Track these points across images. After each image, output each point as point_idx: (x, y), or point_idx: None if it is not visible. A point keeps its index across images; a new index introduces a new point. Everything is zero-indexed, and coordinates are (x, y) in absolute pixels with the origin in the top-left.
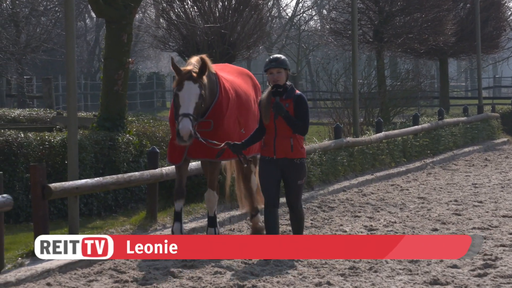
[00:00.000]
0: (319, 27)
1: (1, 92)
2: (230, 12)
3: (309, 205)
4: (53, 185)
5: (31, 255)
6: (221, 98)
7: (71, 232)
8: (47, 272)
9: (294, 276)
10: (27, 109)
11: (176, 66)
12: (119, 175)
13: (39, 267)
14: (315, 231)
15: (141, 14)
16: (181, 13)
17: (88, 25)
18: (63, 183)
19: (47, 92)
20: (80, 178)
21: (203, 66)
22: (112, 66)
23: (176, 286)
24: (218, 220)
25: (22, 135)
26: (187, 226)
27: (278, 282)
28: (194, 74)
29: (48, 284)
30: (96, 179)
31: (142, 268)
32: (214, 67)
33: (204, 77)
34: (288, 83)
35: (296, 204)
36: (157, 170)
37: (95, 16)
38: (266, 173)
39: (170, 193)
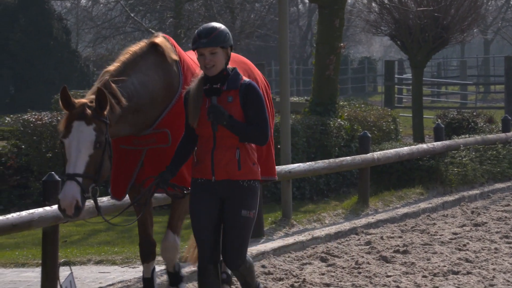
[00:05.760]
0: None
1: None
2: None
3: None
4: None
5: None
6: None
7: (284, 215)
8: (262, 255)
9: (511, 264)
10: None
11: (67, 96)
12: (331, 160)
13: (254, 250)
14: None
15: None
16: None
17: (301, 11)
18: (276, 166)
19: None
20: (292, 162)
21: (99, 96)
22: (324, 51)
23: (389, 271)
24: (430, 205)
25: None
26: (399, 211)
27: (494, 269)
28: (88, 111)
29: (263, 266)
30: (308, 163)
31: (352, 253)
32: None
33: (106, 111)
34: (229, 67)
35: (234, 257)
36: (369, 155)
37: (307, 1)
38: (199, 206)
39: (381, 178)
